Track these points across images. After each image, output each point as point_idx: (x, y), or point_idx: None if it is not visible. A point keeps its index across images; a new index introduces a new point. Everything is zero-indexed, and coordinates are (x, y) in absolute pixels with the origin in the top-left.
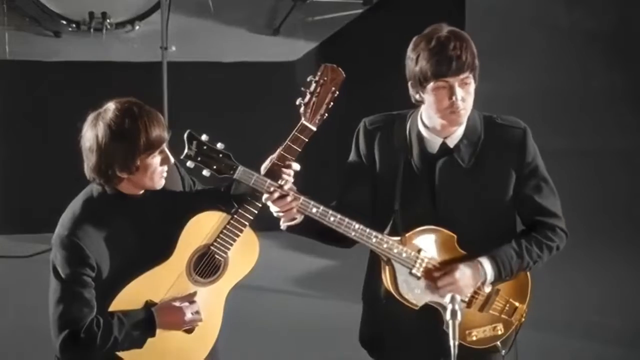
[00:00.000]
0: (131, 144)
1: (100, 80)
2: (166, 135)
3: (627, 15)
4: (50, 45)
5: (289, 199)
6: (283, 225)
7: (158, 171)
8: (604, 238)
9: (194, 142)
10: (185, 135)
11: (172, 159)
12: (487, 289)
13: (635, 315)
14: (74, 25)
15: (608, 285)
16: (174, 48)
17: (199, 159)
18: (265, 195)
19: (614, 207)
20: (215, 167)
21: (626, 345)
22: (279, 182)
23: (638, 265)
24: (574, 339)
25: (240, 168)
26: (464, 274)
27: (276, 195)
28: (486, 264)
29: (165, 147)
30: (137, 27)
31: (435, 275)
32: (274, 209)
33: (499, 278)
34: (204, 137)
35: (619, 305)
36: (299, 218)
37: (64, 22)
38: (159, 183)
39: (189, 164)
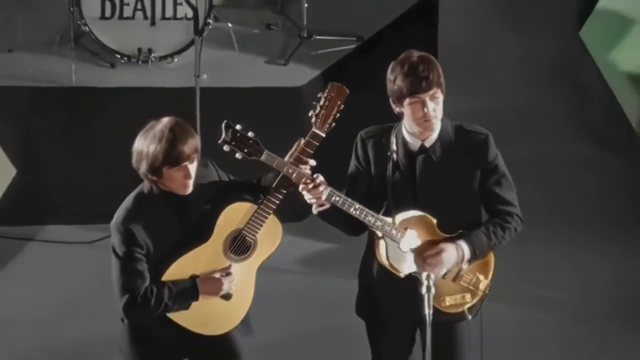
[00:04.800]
0: (156, 154)
1: (146, 102)
2: (189, 152)
3: (564, 45)
4: (107, 74)
5: (321, 188)
6: (315, 210)
7: (182, 183)
8: (560, 220)
9: (230, 130)
10: (223, 125)
11: (193, 175)
12: (465, 266)
13: (585, 289)
14: (125, 59)
15: (563, 261)
16: (205, 76)
17: (233, 143)
18: (301, 185)
19: (572, 198)
20: (245, 150)
21: (579, 319)
22: (314, 175)
23: (594, 242)
24: (531, 310)
25: (266, 152)
26: (448, 255)
27: (311, 185)
28: (465, 246)
29: (188, 164)
30: (175, 60)
31: (425, 254)
32: (307, 196)
33: (474, 257)
34: (238, 127)
35: (571, 281)
36: (327, 205)
37: (118, 56)
38: (185, 191)
39: (225, 147)
